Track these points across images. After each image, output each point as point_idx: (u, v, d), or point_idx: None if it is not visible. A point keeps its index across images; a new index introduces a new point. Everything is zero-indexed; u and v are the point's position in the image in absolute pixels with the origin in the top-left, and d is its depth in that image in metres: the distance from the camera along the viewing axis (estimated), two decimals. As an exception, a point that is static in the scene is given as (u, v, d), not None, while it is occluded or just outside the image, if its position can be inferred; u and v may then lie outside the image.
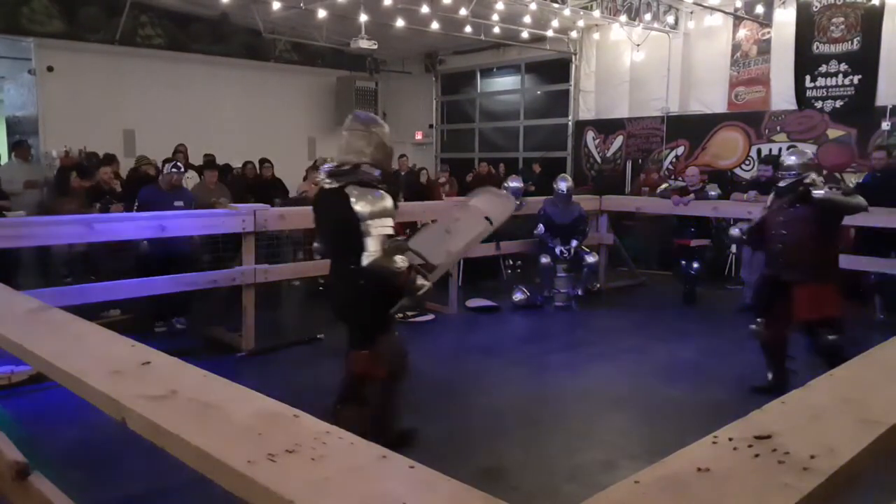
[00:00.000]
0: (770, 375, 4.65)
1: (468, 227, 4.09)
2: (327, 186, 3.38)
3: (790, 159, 4.67)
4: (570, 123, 11.16)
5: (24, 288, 4.49)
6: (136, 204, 6.16)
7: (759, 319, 4.67)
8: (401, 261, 3.21)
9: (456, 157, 12.79)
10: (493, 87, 13.07)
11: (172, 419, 1.23)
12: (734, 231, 5.58)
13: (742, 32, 9.08)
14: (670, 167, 9.84)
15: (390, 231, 3.23)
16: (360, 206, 3.19)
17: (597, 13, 9.34)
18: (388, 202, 3.25)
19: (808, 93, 8.40)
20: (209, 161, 8.72)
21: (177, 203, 6.10)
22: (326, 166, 3.49)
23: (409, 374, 3.63)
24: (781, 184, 4.62)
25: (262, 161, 8.92)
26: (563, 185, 7.35)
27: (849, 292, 7.05)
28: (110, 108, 9.76)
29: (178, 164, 6.69)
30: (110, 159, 8.16)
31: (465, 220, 4.10)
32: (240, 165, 9.16)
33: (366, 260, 3.18)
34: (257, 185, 8.52)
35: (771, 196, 4.81)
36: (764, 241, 4.75)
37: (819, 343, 4.42)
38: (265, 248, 6.59)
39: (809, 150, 4.90)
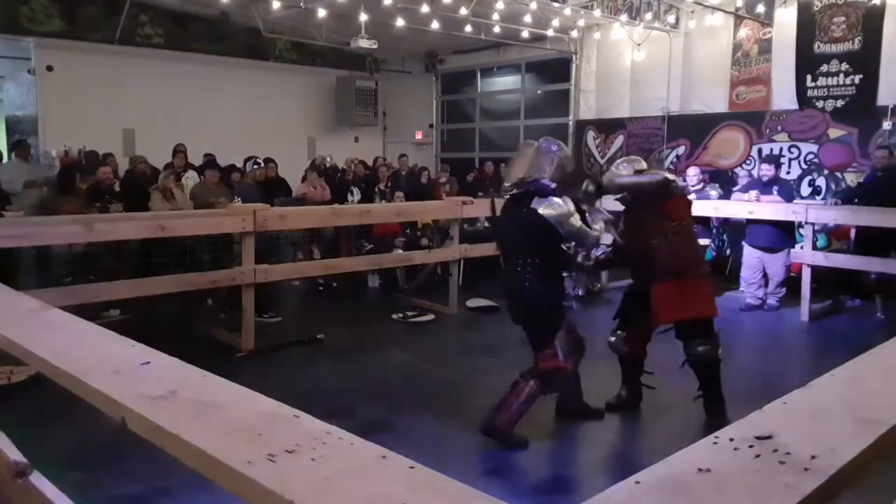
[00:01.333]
0: (623, 392, 4.39)
1: None
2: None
3: (619, 170, 4.24)
4: (570, 123, 11.15)
5: (24, 288, 4.50)
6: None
7: (619, 332, 4.38)
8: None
9: (456, 157, 12.78)
10: (494, 86, 13.07)
11: (172, 419, 1.22)
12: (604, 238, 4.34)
13: (743, 32, 9.07)
14: (671, 167, 9.83)
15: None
16: (545, 210, 3.69)
17: (597, 12, 9.33)
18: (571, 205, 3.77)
19: (810, 92, 8.40)
20: (210, 161, 8.74)
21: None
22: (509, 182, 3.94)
23: (583, 355, 4.10)
24: (615, 196, 4.31)
25: (268, 160, 8.93)
26: None
27: (848, 291, 7.12)
28: (110, 108, 9.75)
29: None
30: (107, 157, 8.18)
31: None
32: (241, 165, 9.17)
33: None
34: (261, 184, 8.52)
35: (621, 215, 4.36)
36: (627, 260, 4.36)
37: (690, 355, 4.06)
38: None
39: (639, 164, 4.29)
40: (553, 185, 3.71)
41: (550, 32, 9.87)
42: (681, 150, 9.77)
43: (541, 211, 3.66)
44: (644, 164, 4.36)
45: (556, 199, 3.69)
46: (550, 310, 3.77)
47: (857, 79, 8.05)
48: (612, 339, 4.40)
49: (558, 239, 3.75)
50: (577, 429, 4.11)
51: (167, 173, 8.07)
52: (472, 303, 7.25)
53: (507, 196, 3.91)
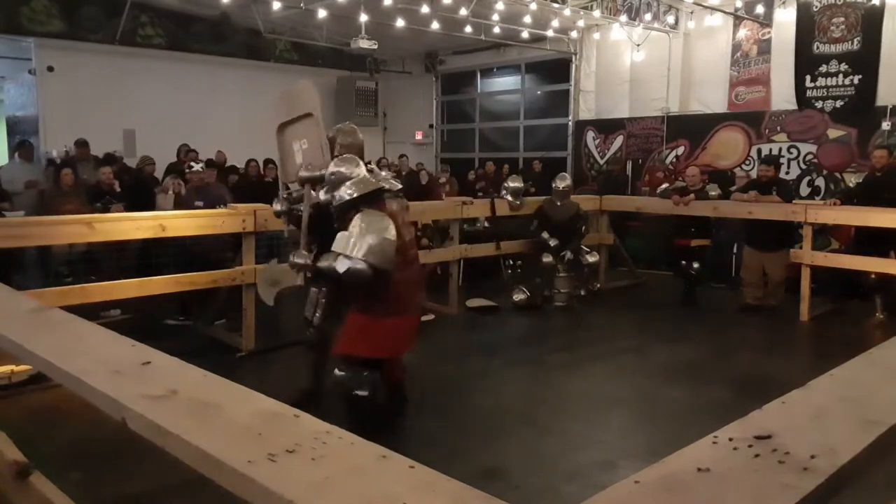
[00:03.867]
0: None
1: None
2: None
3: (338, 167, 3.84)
4: (570, 123, 11.15)
5: (25, 288, 4.50)
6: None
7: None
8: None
9: (456, 157, 12.78)
10: (494, 87, 13.07)
11: (172, 419, 1.23)
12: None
13: (742, 32, 9.08)
14: (670, 167, 9.83)
15: None
16: None
17: (597, 13, 9.34)
18: None
19: (809, 93, 8.40)
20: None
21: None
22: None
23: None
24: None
25: (267, 162, 8.93)
26: (559, 183, 7.44)
27: (848, 292, 7.11)
28: (111, 108, 9.75)
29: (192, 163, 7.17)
30: (110, 159, 8.18)
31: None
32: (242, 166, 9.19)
33: None
34: (260, 185, 8.52)
35: None
36: None
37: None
38: (265, 248, 6.58)
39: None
40: None
41: (550, 33, 9.87)
42: (680, 150, 9.76)
43: None
44: (360, 170, 3.78)
45: None
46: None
47: (856, 79, 8.05)
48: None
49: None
50: (576, 429, 4.11)
51: (173, 177, 8.04)
52: (472, 303, 7.24)
53: None
